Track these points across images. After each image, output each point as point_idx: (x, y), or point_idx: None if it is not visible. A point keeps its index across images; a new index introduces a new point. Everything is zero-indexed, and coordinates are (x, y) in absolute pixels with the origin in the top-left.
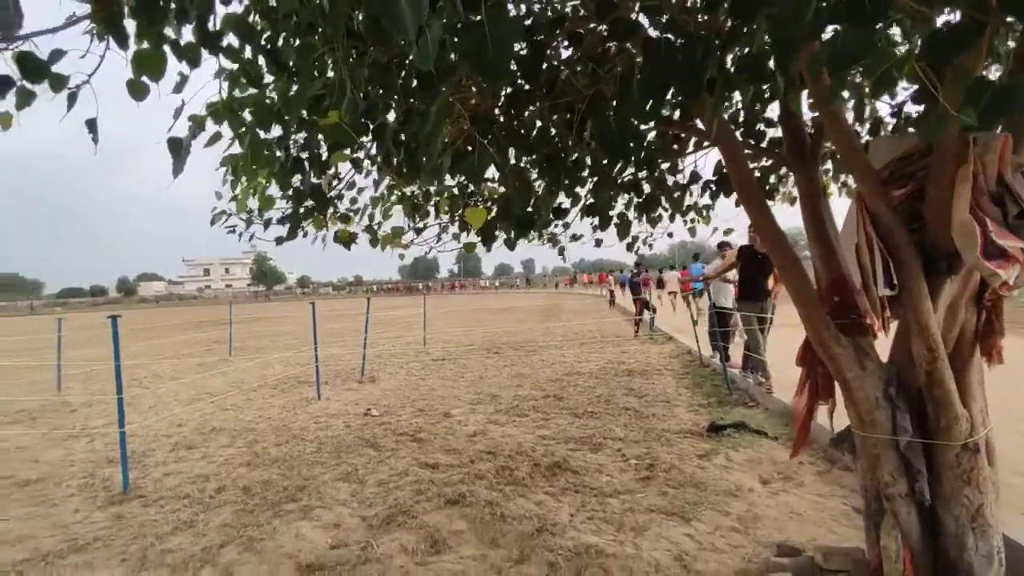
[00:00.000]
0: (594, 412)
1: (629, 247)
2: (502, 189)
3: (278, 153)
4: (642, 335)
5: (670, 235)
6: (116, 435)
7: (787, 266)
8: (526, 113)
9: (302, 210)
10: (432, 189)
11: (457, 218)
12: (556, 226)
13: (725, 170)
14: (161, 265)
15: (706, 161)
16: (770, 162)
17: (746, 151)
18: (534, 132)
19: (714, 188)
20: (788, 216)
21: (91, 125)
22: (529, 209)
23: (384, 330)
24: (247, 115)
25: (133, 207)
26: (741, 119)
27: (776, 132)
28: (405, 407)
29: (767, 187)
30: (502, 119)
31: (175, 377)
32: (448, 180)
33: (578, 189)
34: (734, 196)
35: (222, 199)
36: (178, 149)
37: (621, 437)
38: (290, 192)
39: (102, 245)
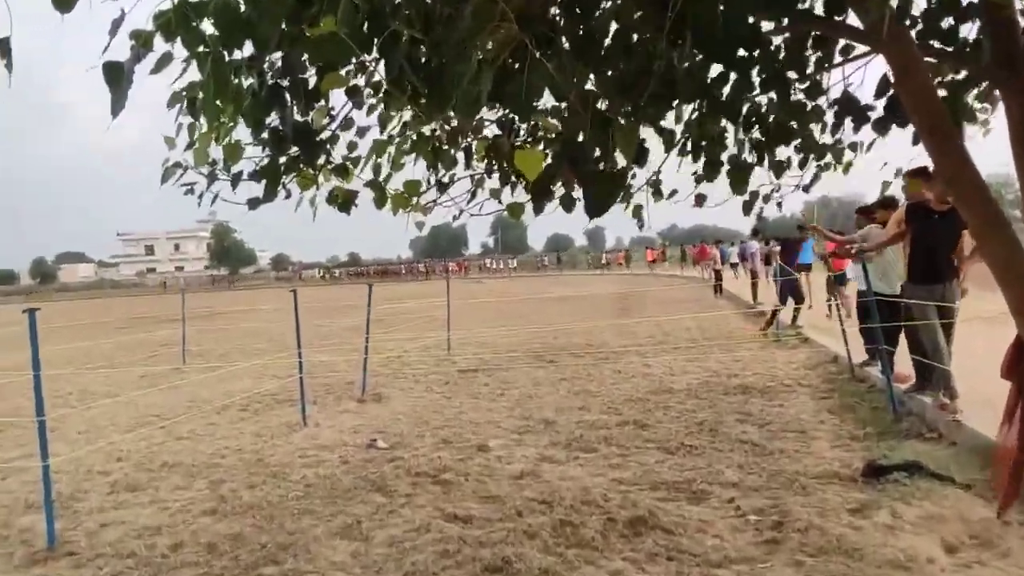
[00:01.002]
0: (694, 447)
1: (746, 207)
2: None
3: (249, 80)
4: (763, 332)
5: (805, 188)
6: (37, 471)
7: (988, 230)
8: (597, 11)
9: (282, 160)
10: (461, 126)
11: (497, 168)
12: (634, 176)
13: (894, 90)
14: (88, 243)
15: (864, 76)
16: (963, 76)
17: (927, 60)
18: (608, 39)
19: (874, 116)
20: (986, 155)
21: (2, 47)
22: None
23: (393, 329)
24: (208, 27)
25: (54, 175)
26: (920, 12)
27: (974, 30)
28: (424, 436)
29: (958, 114)
30: (563, 21)
31: (111, 393)
32: (486, 113)
33: (671, 120)
34: (908, 130)
35: (175, 148)
36: (117, 78)
37: (734, 482)
38: (266, 135)
39: (9, 220)
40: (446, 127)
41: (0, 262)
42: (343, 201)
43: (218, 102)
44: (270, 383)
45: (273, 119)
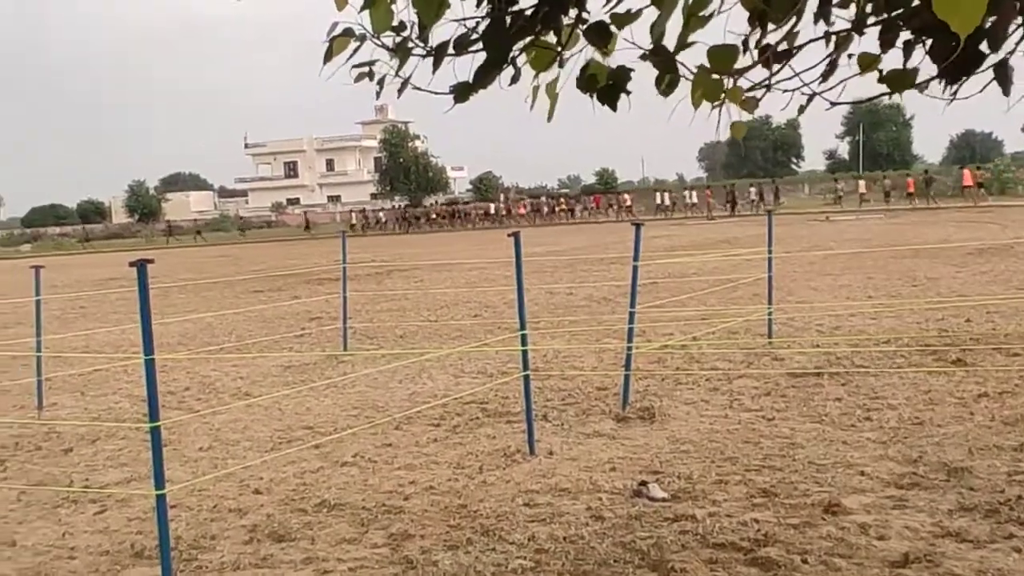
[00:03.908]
0: None
1: None
2: None
3: None
4: None
5: None
6: (146, 503)
7: None
8: None
9: (509, 19)
10: None
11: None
12: None
13: None
14: (204, 162)
15: None
16: None
17: None
18: None
19: None
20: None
21: None
22: None
23: (669, 299)
24: None
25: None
26: None
27: None
28: (728, 483)
29: None
30: None
31: (243, 391)
32: None
33: None
34: None
35: (345, 7)
36: None
37: None
38: None
39: (106, 142)
40: None
41: (88, 189)
42: (607, 85)
43: None
44: (475, 383)
45: None
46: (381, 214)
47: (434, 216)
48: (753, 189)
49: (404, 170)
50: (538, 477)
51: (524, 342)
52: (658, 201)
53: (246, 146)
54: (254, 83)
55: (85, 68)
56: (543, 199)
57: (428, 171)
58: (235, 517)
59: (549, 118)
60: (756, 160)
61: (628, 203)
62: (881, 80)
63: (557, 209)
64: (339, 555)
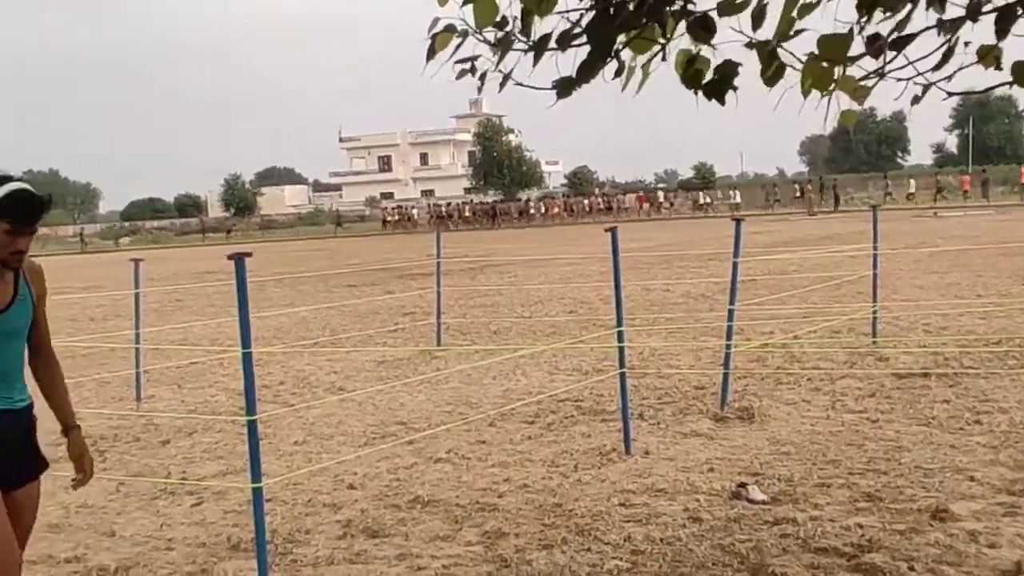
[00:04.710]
0: None
1: None
2: None
3: None
4: None
5: None
6: (242, 496)
7: None
8: None
9: (612, 12)
10: None
11: None
12: None
13: None
14: (299, 156)
15: None
16: None
17: None
18: None
19: None
20: None
21: None
22: None
23: (768, 297)
24: None
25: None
26: None
27: None
28: (830, 486)
29: None
30: None
31: (337, 386)
32: None
33: None
34: None
35: (448, 3)
36: None
37: None
38: None
39: (203, 136)
40: None
41: (186, 183)
42: (713, 80)
43: None
44: (570, 380)
45: None
46: (415, 211)
47: (469, 215)
48: (796, 186)
49: (498, 164)
50: (634, 477)
51: (621, 339)
52: (701, 200)
53: (340, 140)
54: (348, 76)
55: (182, 63)
56: (633, 196)
57: (522, 165)
58: (329, 512)
59: (637, 91)
60: (860, 154)
61: (663, 201)
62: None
63: (593, 208)
64: (432, 552)
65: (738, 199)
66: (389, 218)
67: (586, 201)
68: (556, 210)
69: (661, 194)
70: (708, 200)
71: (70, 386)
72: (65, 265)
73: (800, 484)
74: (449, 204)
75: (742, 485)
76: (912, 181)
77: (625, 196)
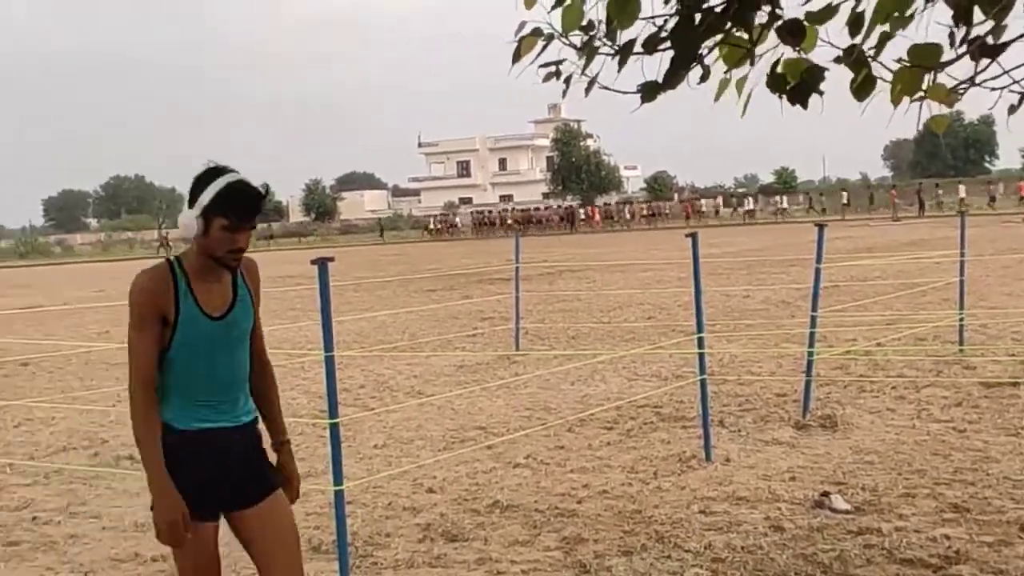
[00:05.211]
0: None
1: None
2: None
3: None
4: None
5: None
6: (323, 498)
7: None
8: None
9: (698, 18)
10: None
11: None
12: None
13: None
14: (379, 162)
15: None
16: None
17: None
18: None
19: None
20: None
21: None
22: None
23: (851, 304)
24: None
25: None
26: None
27: None
28: (916, 496)
29: None
30: None
31: (416, 390)
32: None
33: None
34: None
35: (535, 5)
36: None
37: None
38: None
39: (286, 141)
40: None
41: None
42: (798, 85)
43: None
44: (649, 386)
45: None
46: (458, 219)
47: (511, 222)
48: (845, 194)
49: (576, 169)
50: (714, 484)
51: (701, 345)
52: (746, 207)
53: (419, 145)
54: (428, 81)
55: (263, 70)
56: (713, 200)
57: (600, 170)
58: (409, 515)
59: (742, 114)
60: (945, 159)
61: (703, 208)
62: None
63: (638, 216)
64: (512, 557)
65: (749, 205)
66: (432, 226)
67: (626, 208)
68: (597, 218)
69: (705, 202)
70: (755, 207)
71: None
72: None
73: (885, 494)
74: (491, 212)
75: (825, 494)
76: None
77: (702, 200)
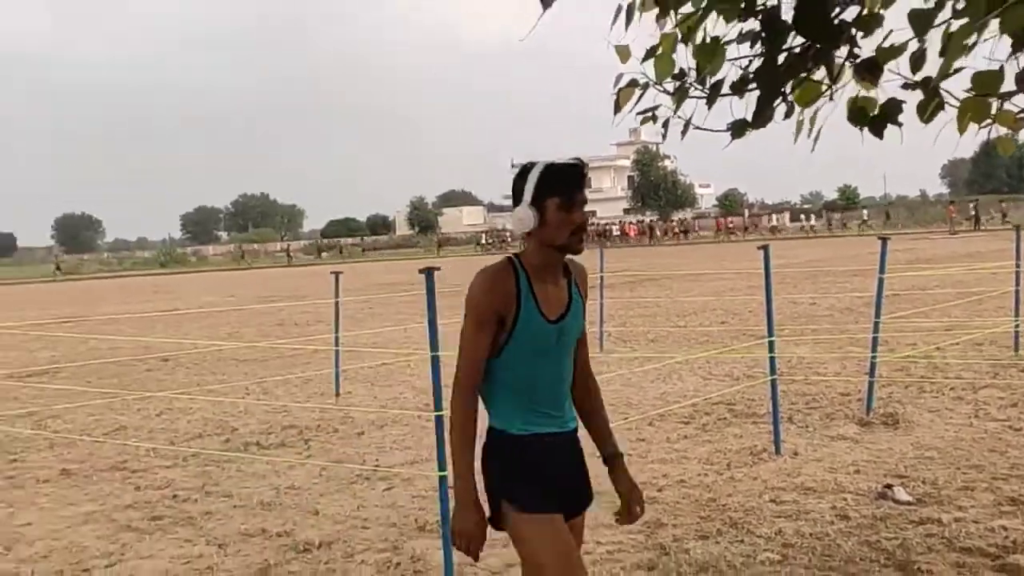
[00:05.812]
0: None
1: None
2: None
3: None
4: None
5: None
6: (428, 482)
7: None
8: None
9: (781, 59)
10: None
11: None
12: None
13: None
14: (474, 178)
15: None
16: None
17: None
18: None
19: None
20: None
21: None
22: None
23: (912, 311)
24: None
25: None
26: None
27: None
28: (974, 490)
29: None
30: None
31: None
32: None
33: None
34: None
35: (629, 59)
36: None
37: None
38: (756, 22)
39: (393, 160)
40: None
41: (377, 204)
42: (877, 116)
43: None
44: (722, 385)
45: None
46: (508, 235)
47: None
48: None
49: (654, 187)
50: (784, 476)
51: (772, 348)
52: (773, 223)
53: (512, 166)
54: (519, 105)
55: (372, 92)
56: (775, 217)
57: (677, 188)
58: None
59: (812, 149)
60: (1000, 176)
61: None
62: None
63: (670, 232)
64: (597, 538)
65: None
66: (484, 241)
67: (661, 223)
68: (633, 233)
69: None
70: (779, 223)
71: (278, 383)
72: (274, 277)
73: (944, 487)
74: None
75: (888, 486)
76: None
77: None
